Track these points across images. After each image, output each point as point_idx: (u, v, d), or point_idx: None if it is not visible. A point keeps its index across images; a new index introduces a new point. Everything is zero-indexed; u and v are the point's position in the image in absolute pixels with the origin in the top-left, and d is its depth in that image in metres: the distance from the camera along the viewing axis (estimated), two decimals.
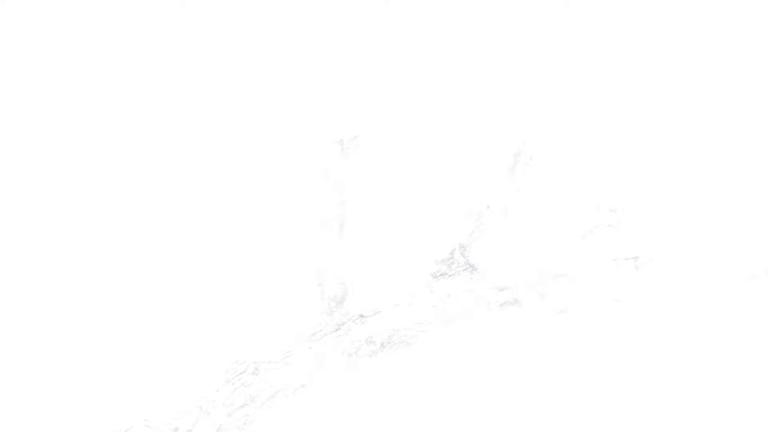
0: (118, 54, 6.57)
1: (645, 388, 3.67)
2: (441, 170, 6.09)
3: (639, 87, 5.82)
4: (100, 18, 6.54)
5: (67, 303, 5.94)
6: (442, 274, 5.96)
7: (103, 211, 6.37)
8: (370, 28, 6.65)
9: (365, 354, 5.43)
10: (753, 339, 3.64)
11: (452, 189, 6.00)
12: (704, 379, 3.49)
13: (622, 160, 5.70)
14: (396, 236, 6.06)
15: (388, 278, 5.83)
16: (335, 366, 5.29)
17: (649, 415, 3.40)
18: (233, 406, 5.39)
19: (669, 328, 4.35)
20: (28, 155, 6.47)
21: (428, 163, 6.15)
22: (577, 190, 5.86)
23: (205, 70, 6.60)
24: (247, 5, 6.73)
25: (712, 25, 5.74)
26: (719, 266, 4.89)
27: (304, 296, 6.19)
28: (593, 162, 5.90)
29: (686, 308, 4.56)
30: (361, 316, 5.81)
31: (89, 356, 5.61)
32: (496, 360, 4.52)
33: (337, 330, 5.78)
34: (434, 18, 6.49)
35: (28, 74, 6.52)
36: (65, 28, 6.51)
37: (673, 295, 4.90)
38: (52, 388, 5.39)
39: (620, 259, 5.50)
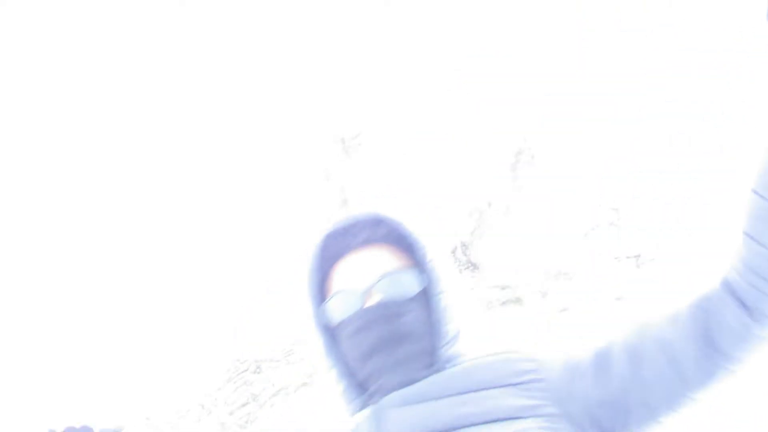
0: (119, 54, 6.56)
1: None
2: (443, 169, 6.08)
3: (640, 87, 5.81)
4: (101, 18, 6.54)
5: (69, 304, 5.95)
6: None
7: (105, 213, 6.38)
8: (371, 28, 6.65)
9: None
10: None
11: (454, 188, 6.00)
12: None
13: (624, 159, 5.69)
14: None
15: None
16: None
17: None
18: (235, 404, 5.40)
19: None
20: (28, 157, 6.47)
21: (430, 161, 6.14)
22: (579, 189, 5.86)
23: (206, 70, 6.59)
24: (248, 6, 6.73)
25: (711, 26, 5.73)
26: (721, 264, 4.87)
27: (306, 295, 6.19)
28: (595, 161, 5.89)
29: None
30: None
31: (91, 356, 5.62)
32: None
33: None
34: (435, 18, 6.49)
35: (27, 75, 6.52)
36: (65, 28, 6.50)
37: (675, 293, 4.88)
38: (55, 387, 5.40)
39: (622, 258, 5.50)
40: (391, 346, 0.90)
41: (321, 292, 1.00)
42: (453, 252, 6.19)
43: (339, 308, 0.95)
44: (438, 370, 0.92)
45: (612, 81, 5.86)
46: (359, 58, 6.59)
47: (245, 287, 6.25)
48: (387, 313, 0.92)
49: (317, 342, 0.99)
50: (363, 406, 0.93)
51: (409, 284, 0.96)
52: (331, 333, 0.98)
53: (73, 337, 5.65)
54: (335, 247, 1.01)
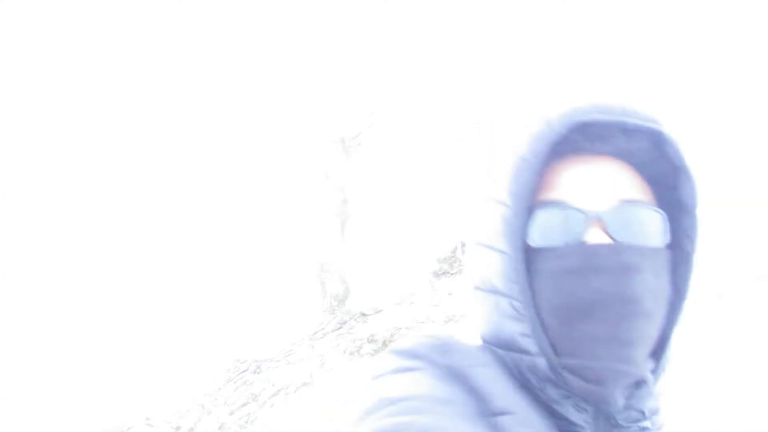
0: (118, 54, 6.55)
1: None
2: (443, 168, 6.07)
3: (639, 84, 5.80)
4: (101, 17, 6.52)
5: (69, 304, 5.94)
6: (443, 273, 5.96)
7: (105, 213, 6.37)
8: (371, 29, 6.64)
9: (367, 352, 5.43)
10: (757, 336, 3.61)
11: (454, 187, 5.99)
12: (707, 377, 3.48)
13: None
14: (397, 234, 6.06)
15: (390, 277, 5.83)
16: (337, 364, 5.29)
17: None
18: (235, 404, 5.39)
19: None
20: (28, 156, 6.46)
21: (430, 161, 6.13)
22: None
23: (205, 70, 6.58)
24: (248, 5, 6.72)
25: (711, 26, 5.72)
26: (724, 265, 4.85)
27: (306, 295, 6.17)
28: None
29: (688, 306, 4.52)
30: (363, 314, 5.82)
31: (91, 356, 5.61)
32: None
33: (338, 328, 5.78)
34: (435, 17, 6.48)
35: (27, 75, 6.51)
36: (66, 27, 6.49)
37: None
38: (55, 387, 5.39)
39: None
40: (618, 314, 0.60)
41: (527, 192, 0.67)
42: (453, 251, 6.18)
43: (550, 228, 0.65)
44: (659, 372, 0.67)
45: (612, 80, 5.86)
46: (359, 59, 6.59)
47: (245, 287, 6.24)
48: (620, 260, 0.61)
49: (499, 257, 0.67)
50: (552, 384, 0.63)
51: (656, 228, 0.65)
52: (525, 254, 0.66)
53: (74, 337, 5.64)
54: (572, 138, 0.68)
